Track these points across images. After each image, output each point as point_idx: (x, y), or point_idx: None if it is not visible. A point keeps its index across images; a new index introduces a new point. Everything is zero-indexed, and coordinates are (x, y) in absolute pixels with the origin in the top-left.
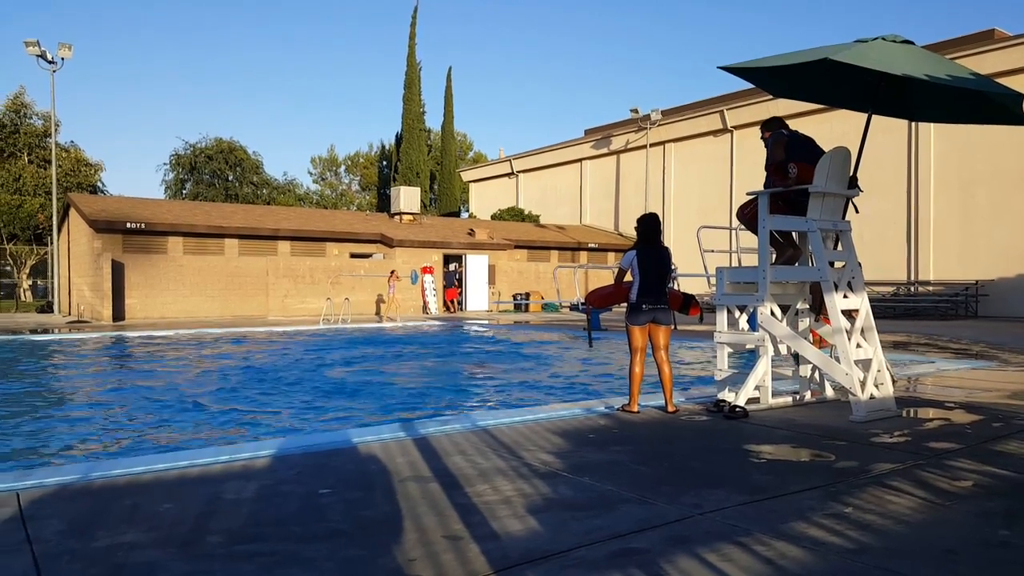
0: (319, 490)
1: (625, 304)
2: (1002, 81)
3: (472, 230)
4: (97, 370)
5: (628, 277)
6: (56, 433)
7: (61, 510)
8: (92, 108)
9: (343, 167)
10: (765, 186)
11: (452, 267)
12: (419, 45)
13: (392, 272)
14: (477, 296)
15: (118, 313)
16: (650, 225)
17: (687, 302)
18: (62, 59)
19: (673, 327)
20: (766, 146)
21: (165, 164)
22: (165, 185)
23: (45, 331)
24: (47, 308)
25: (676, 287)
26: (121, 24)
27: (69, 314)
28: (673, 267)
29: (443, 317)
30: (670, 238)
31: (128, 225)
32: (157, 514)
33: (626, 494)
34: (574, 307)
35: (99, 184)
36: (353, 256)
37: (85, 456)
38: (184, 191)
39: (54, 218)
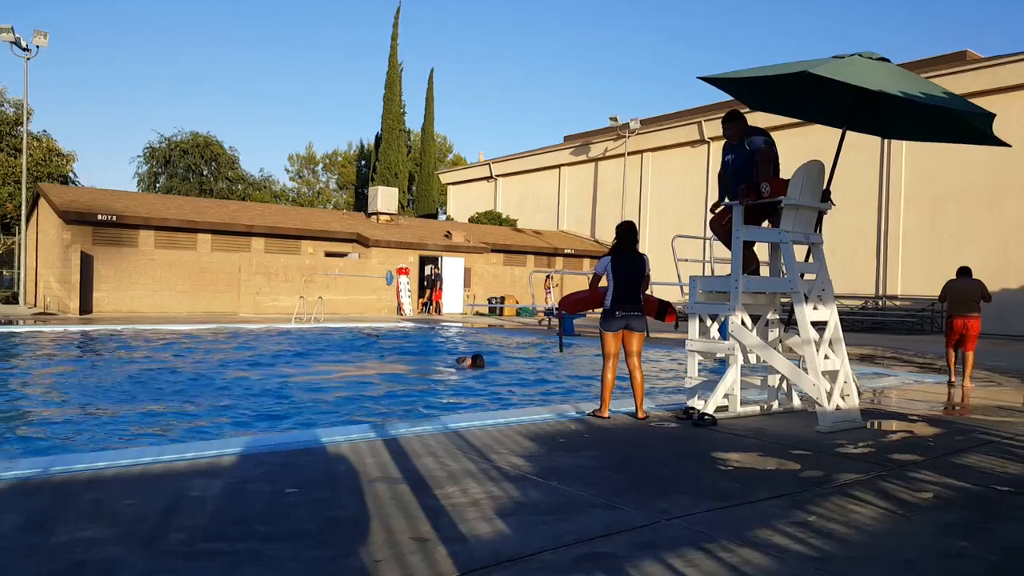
0: (286, 489)
1: (599, 309)
2: (974, 102)
3: (449, 232)
4: (61, 364)
5: (603, 283)
6: (15, 426)
7: (19, 504)
8: (66, 98)
9: (320, 165)
10: (732, 193)
11: (429, 268)
12: (401, 46)
13: (548, 277)
14: (452, 299)
15: (86, 306)
16: (626, 232)
17: (663, 309)
18: (37, 47)
19: (646, 334)
20: (735, 147)
21: (139, 156)
22: (138, 178)
23: (9, 322)
24: (12, 299)
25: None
26: (99, 14)
27: (35, 306)
28: (649, 271)
29: (417, 319)
30: (645, 246)
31: (99, 217)
32: (119, 510)
33: (595, 499)
34: (548, 312)
35: (71, 175)
36: (328, 255)
37: (45, 450)
38: (158, 185)
39: (23, 208)
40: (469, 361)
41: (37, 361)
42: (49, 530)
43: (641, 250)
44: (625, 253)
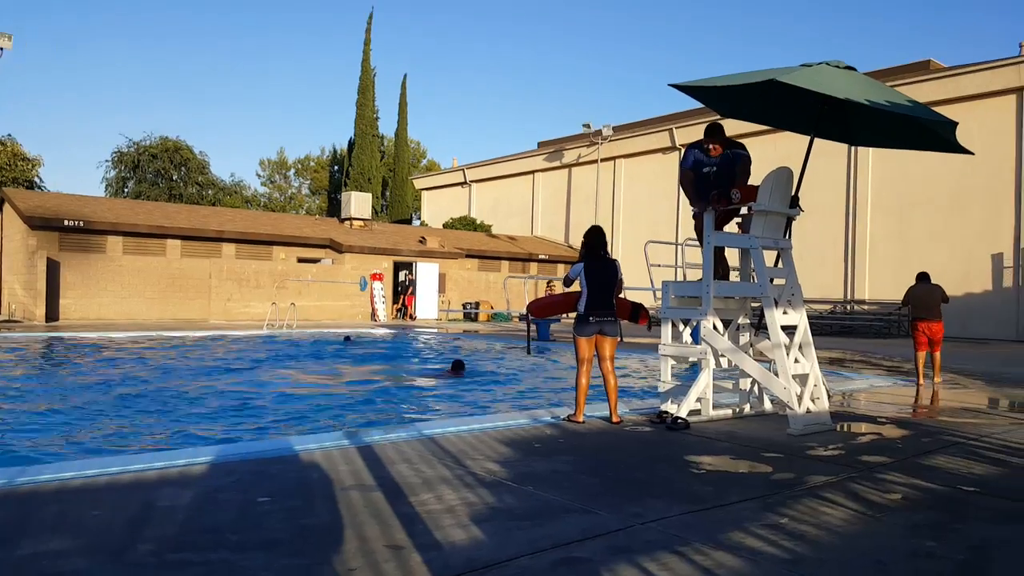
0: (258, 498)
1: (573, 314)
2: (937, 110)
3: (423, 238)
4: (25, 373)
5: (576, 287)
6: None
7: None
8: (32, 101)
9: (293, 170)
10: (704, 201)
11: (403, 274)
12: (374, 52)
13: (549, 283)
14: (427, 304)
15: (52, 314)
16: (597, 237)
17: (635, 311)
18: (1, 49)
19: (619, 339)
20: (715, 157)
21: (107, 161)
22: (106, 183)
23: None
24: None
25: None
26: (66, 17)
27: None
28: (621, 276)
29: (392, 324)
30: (618, 252)
31: (65, 222)
32: (85, 521)
33: (570, 504)
34: (524, 317)
35: (37, 180)
36: (301, 260)
37: (10, 461)
38: (126, 190)
39: None
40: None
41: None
42: (13, 543)
43: (614, 256)
44: (597, 258)
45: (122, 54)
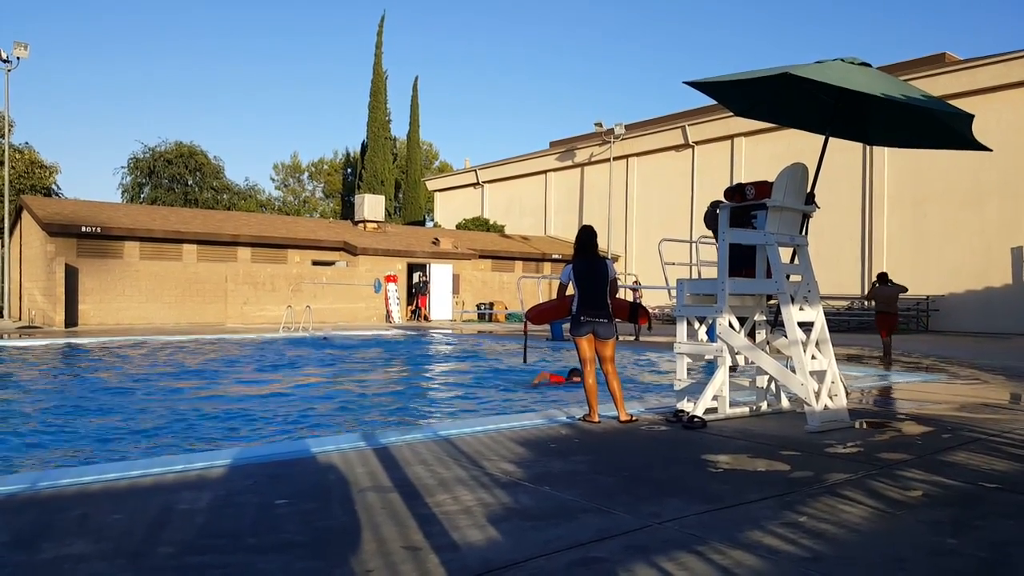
0: (275, 500)
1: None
2: (952, 103)
3: (437, 239)
4: (46, 377)
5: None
6: (2, 442)
7: (6, 521)
8: (48, 110)
9: (306, 174)
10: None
11: (417, 275)
12: (385, 54)
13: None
14: (441, 305)
15: (71, 319)
16: (585, 238)
17: (634, 311)
18: (17, 58)
19: (616, 339)
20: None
21: (123, 167)
22: (122, 189)
23: None
24: None
25: (639, 298)
26: (81, 25)
27: (20, 319)
28: (615, 275)
29: (406, 326)
30: (632, 250)
31: (83, 229)
32: (106, 525)
33: (586, 503)
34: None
35: (54, 187)
36: (315, 263)
37: (32, 466)
38: (142, 195)
39: (5, 221)
40: (562, 378)
41: (21, 375)
42: (36, 547)
43: (628, 254)
44: (586, 259)
45: (136, 60)
